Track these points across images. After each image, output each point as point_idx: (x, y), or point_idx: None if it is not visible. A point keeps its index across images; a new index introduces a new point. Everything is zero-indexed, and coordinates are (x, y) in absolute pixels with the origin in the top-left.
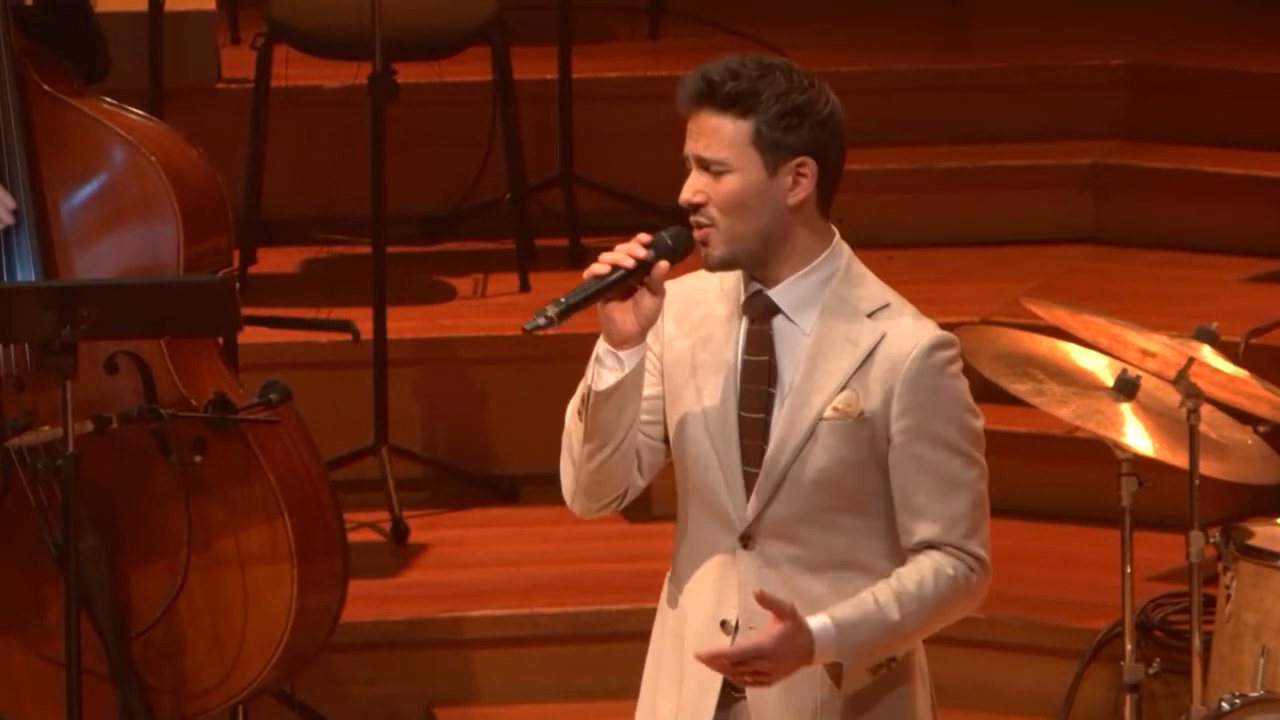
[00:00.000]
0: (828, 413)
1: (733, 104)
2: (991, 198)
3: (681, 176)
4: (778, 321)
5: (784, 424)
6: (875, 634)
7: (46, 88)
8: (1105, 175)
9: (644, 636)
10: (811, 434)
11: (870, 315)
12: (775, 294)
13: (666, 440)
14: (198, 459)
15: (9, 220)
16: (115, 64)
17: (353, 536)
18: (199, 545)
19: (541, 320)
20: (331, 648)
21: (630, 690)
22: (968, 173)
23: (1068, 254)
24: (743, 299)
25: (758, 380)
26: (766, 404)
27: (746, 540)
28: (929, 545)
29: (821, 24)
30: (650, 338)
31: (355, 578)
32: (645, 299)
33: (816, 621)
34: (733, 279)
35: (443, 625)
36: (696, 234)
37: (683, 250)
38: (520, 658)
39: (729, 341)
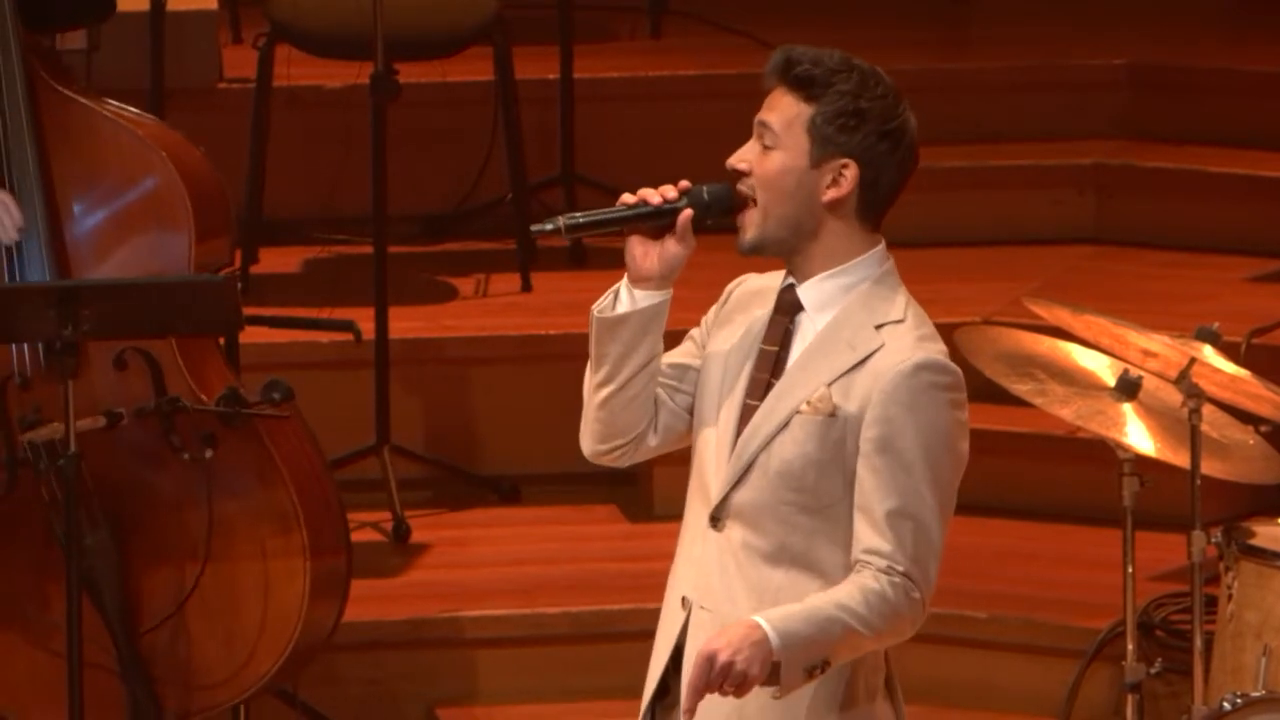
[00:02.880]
0: (803, 407)
1: (802, 86)
2: (993, 198)
3: (682, 177)
4: (801, 317)
5: (765, 412)
6: (812, 635)
7: (56, 86)
8: (1107, 175)
9: (645, 636)
10: (785, 425)
11: (879, 327)
12: (802, 290)
13: (691, 412)
14: (208, 454)
15: (15, 237)
16: (116, 64)
17: (354, 536)
18: (213, 542)
19: (549, 226)
20: (333, 647)
21: (631, 690)
22: (969, 172)
23: (1069, 254)
24: (779, 291)
25: (764, 369)
26: (764, 392)
27: (715, 520)
28: (870, 561)
29: (822, 24)
30: (707, 319)
31: (357, 577)
32: (670, 243)
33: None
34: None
35: (444, 625)
36: (739, 218)
37: (717, 209)
38: (521, 657)
39: (756, 331)
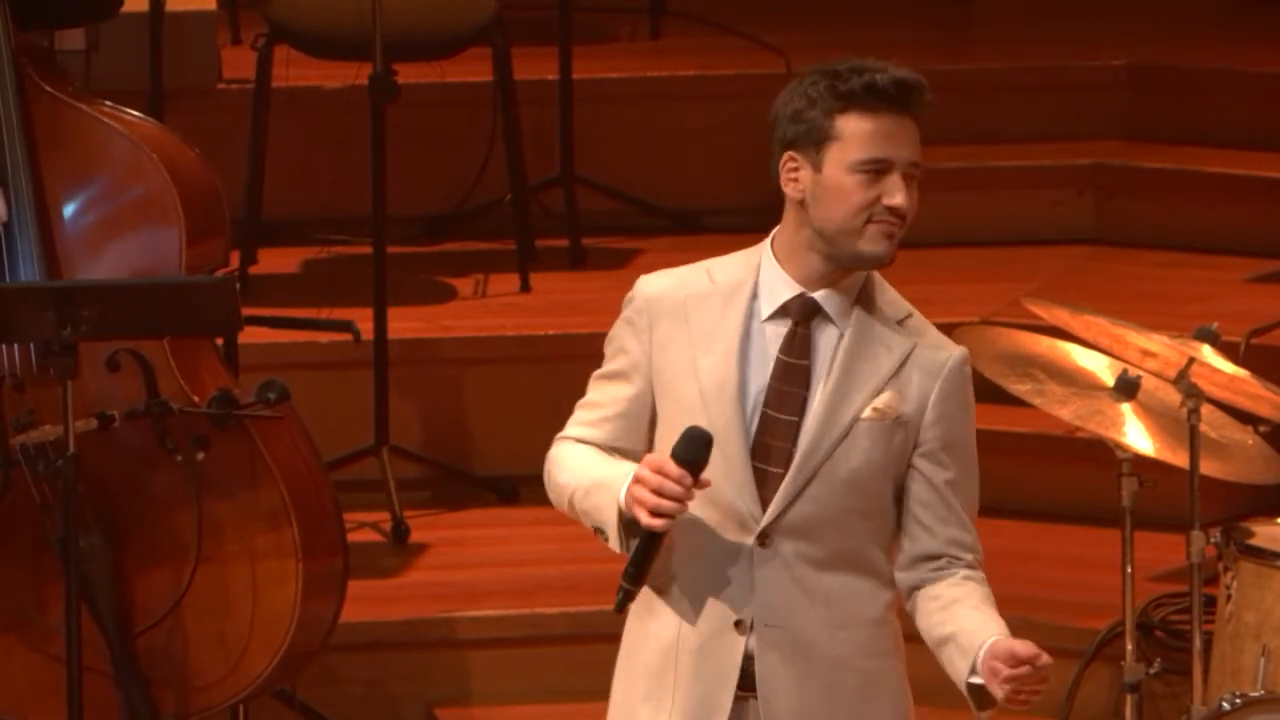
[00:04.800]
0: (867, 413)
1: (921, 111)
2: (992, 198)
3: (681, 178)
4: (816, 323)
5: (820, 421)
6: None
7: (45, 87)
8: (1106, 175)
9: None
10: (848, 433)
11: (899, 322)
12: (822, 298)
13: (650, 428)
14: (200, 456)
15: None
16: (115, 65)
17: (353, 537)
18: (205, 543)
19: (621, 596)
20: (332, 648)
21: None
22: (968, 173)
23: (1068, 254)
24: (783, 300)
25: (793, 382)
26: (800, 406)
27: (764, 538)
28: (960, 555)
29: (822, 24)
30: (629, 337)
31: (356, 578)
32: None
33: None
34: (727, 273)
35: (443, 625)
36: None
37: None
38: (520, 658)
39: (733, 341)
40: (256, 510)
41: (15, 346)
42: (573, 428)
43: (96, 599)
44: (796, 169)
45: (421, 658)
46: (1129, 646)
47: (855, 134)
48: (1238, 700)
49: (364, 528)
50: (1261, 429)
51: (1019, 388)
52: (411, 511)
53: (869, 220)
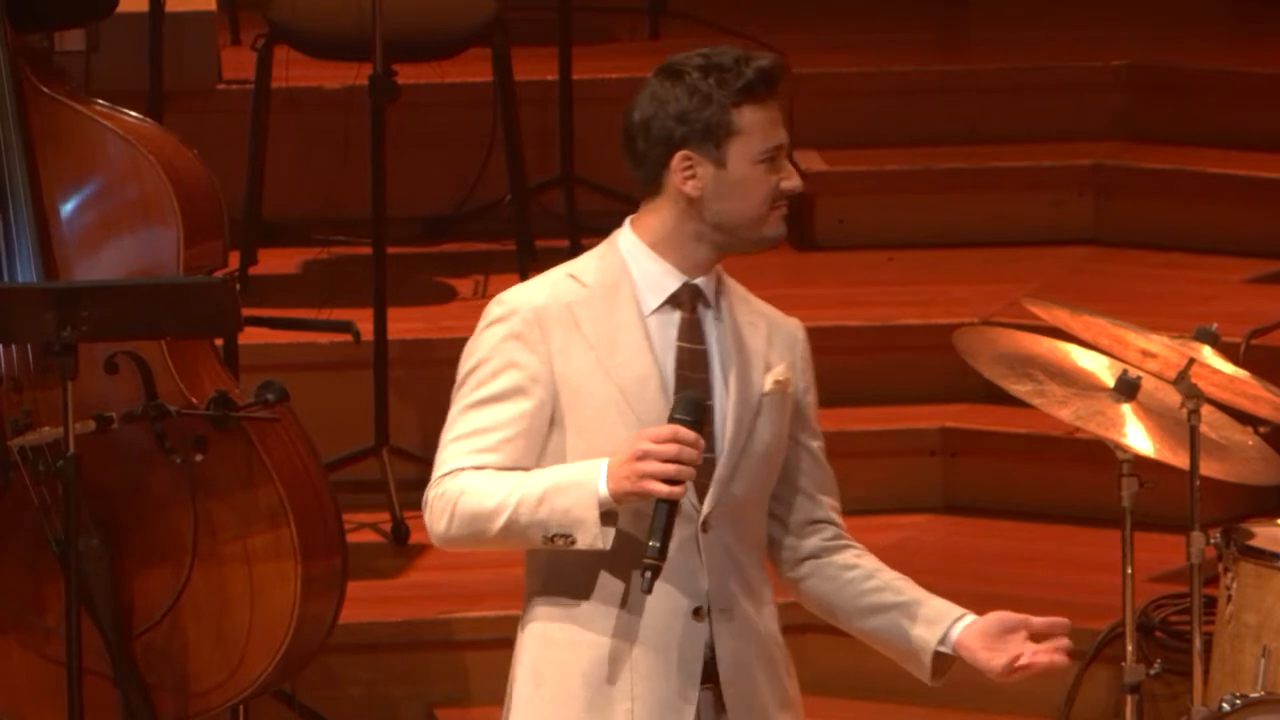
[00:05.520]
0: (768, 387)
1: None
2: (992, 198)
3: None
4: (701, 309)
5: (737, 402)
6: None
7: (43, 88)
8: (1106, 176)
9: None
10: (758, 410)
11: (745, 300)
12: (702, 284)
13: (544, 443)
14: (199, 458)
15: None
16: (115, 66)
17: (353, 537)
18: (203, 544)
19: (649, 574)
20: (332, 648)
21: None
22: (968, 173)
23: (1068, 255)
24: (671, 290)
25: (696, 368)
26: (707, 390)
27: (706, 525)
28: (840, 522)
29: (822, 24)
30: (519, 352)
31: (356, 578)
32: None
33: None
34: (595, 275)
35: (443, 626)
36: (773, 222)
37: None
38: None
39: (637, 337)
40: (255, 511)
41: (14, 347)
42: (463, 458)
43: (95, 601)
44: (692, 167)
45: (421, 658)
46: (1129, 647)
47: (754, 125)
48: (1238, 701)
49: (364, 528)
50: (1261, 430)
51: (1019, 388)
52: (411, 512)
53: (772, 206)
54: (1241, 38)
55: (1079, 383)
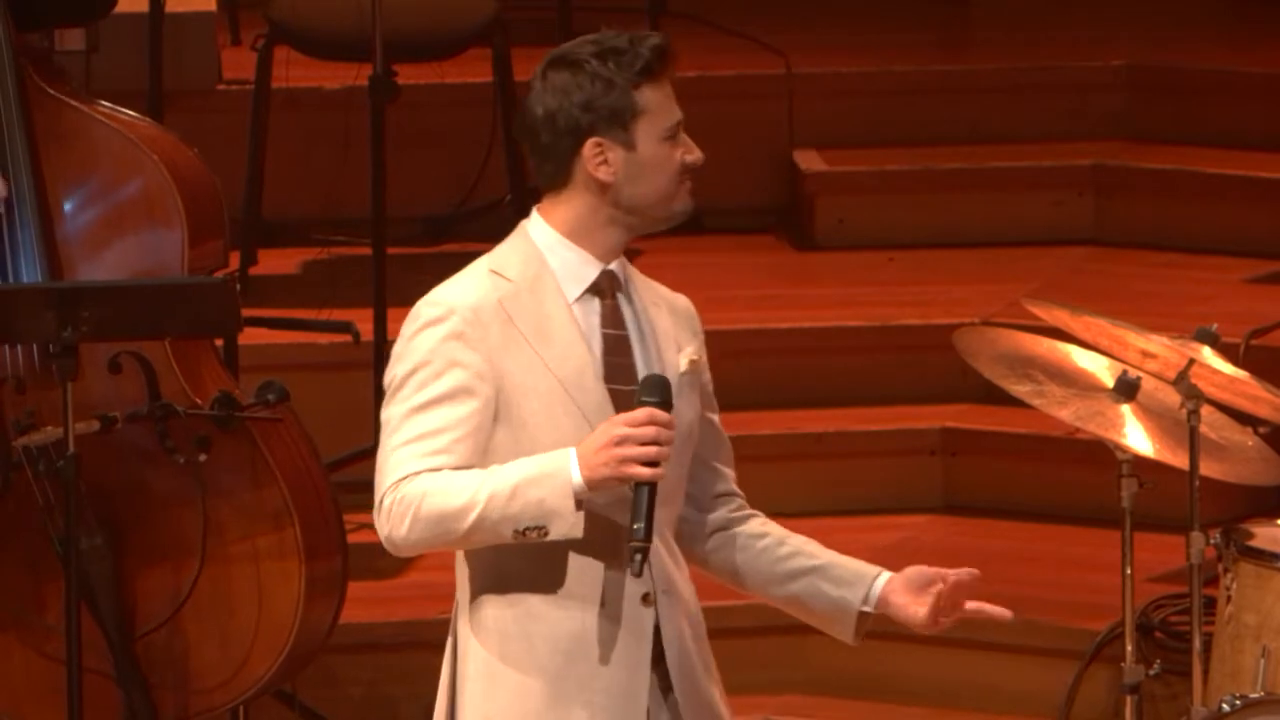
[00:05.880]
0: (684, 366)
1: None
2: (992, 198)
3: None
4: (618, 295)
5: None
6: None
7: (46, 88)
8: (1105, 176)
9: None
10: (678, 390)
11: (643, 280)
12: (615, 268)
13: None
14: (202, 458)
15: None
16: (115, 66)
17: (353, 537)
18: (207, 544)
19: (639, 557)
20: (332, 648)
21: None
22: (968, 173)
23: (1068, 255)
24: (592, 278)
25: (620, 353)
26: (632, 375)
27: None
28: (741, 493)
29: (822, 24)
30: (460, 351)
31: (355, 578)
32: None
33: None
34: (516, 269)
35: (443, 627)
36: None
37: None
38: None
39: (569, 328)
40: (259, 511)
41: (17, 348)
42: (415, 462)
43: (98, 601)
44: (603, 153)
45: (421, 658)
46: (1129, 648)
47: (655, 103)
48: (1237, 702)
49: (364, 528)
50: (1261, 430)
51: (1019, 389)
52: None
53: (680, 182)
54: (1241, 38)
55: (1079, 383)
